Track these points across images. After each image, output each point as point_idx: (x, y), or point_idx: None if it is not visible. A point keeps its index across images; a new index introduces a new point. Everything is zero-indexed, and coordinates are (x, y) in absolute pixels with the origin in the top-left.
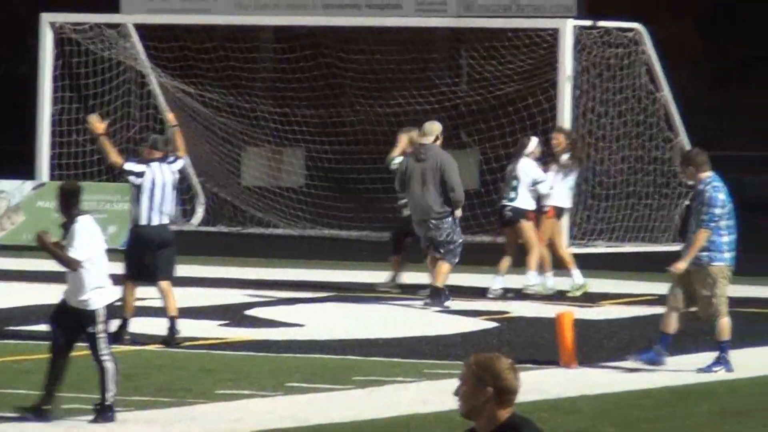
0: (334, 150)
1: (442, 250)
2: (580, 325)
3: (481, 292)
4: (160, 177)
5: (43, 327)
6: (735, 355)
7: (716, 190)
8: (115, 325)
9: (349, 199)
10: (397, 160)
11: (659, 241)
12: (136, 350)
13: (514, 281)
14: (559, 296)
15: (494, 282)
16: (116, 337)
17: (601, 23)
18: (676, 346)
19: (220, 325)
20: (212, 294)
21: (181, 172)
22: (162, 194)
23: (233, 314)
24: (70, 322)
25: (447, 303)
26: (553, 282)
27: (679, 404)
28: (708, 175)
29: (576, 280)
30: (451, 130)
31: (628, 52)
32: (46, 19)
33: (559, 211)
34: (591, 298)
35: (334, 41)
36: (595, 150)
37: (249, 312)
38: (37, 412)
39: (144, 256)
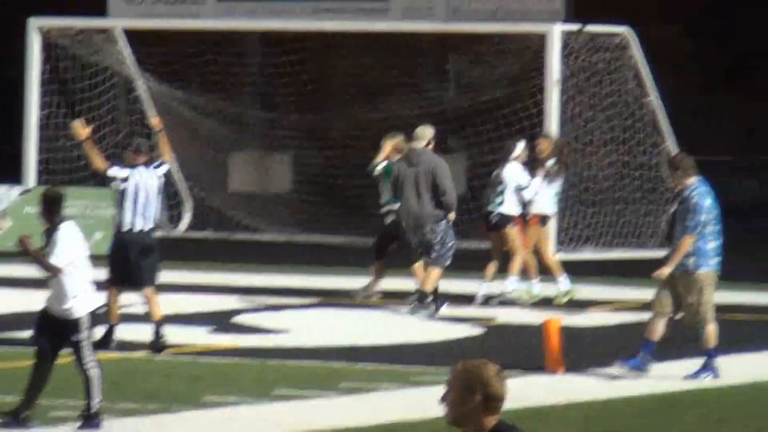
0: (322, 155)
1: (433, 254)
2: (567, 331)
3: (467, 299)
4: (144, 182)
5: (30, 333)
6: (722, 362)
7: (702, 196)
8: (100, 331)
9: (337, 204)
10: (380, 166)
11: (646, 246)
12: (123, 357)
13: (501, 287)
14: (546, 303)
15: (481, 288)
16: (103, 344)
17: (589, 28)
18: (662, 353)
19: (207, 331)
20: (199, 300)
21: (167, 176)
22: (146, 199)
23: (220, 321)
24: (54, 330)
25: (443, 309)
26: (540, 289)
27: (666, 411)
28: (694, 180)
29: (562, 286)
30: (438, 135)
31: (615, 57)
32: (34, 23)
33: (543, 218)
34: (578, 305)
35: (321, 46)
36: (582, 155)
37: (236, 318)
38: (16, 418)
39: (127, 262)
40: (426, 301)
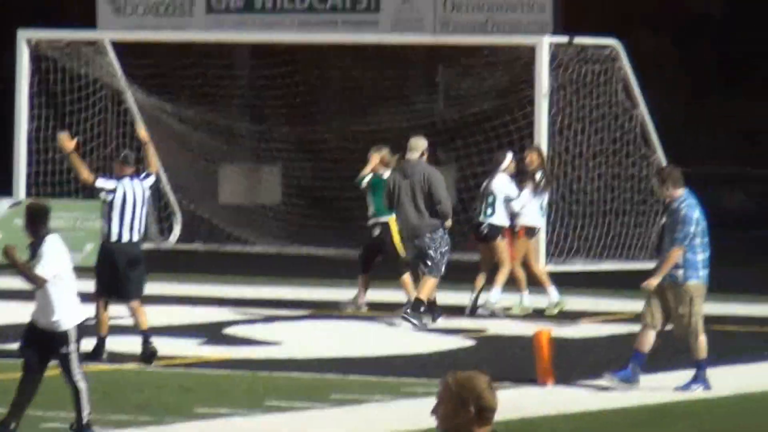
0: (311, 167)
1: (429, 263)
2: (557, 343)
3: (458, 310)
4: (131, 193)
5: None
6: (713, 373)
7: (691, 208)
8: (91, 344)
9: (327, 216)
10: (366, 179)
11: (636, 258)
12: (115, 369)
13: (485, 298)
14: (537, 314)
15: (471, 300)
16: (94, 356)
17: (578, 40)
18: (653, 364)
19: (198, 343)
20: (190, 312)
21: (157, 189)
22: (133, 211)
23: (211, 332)
24: (42, 342)
25: (438, 321)
26: (530, 301)
27: (657, 422)
28: (682, 192)
29: (552, 298)
30: (428, 147)
31: (604, 69)
32: (22, 35)
33: (529, 231)
34: (568, 316)
35: (310, 58)
36: (571, 167)
37: (227, 330)
38: (5, 429)
39: (115, 273)
40: (421, 309)
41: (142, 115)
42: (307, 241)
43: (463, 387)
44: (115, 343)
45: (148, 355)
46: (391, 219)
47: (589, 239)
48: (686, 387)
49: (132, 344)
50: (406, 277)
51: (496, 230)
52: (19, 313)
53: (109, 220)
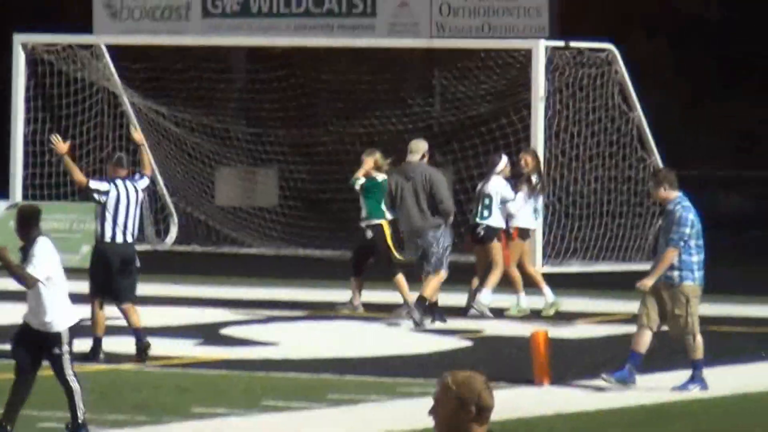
0: (308, 170)
1: (432, 259)
2: (554, 343)
3: (454, 311)
4: (124, 195)
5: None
6: (709, 374)
7: (686, 210)
8: (86, 345)
9: (323, 218)
10: (359, 181)
11: (633, 260)
12: (112, 369)
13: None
14: (534, 315)
15: (468, 301)
16: (91, 357)
17: (574, 43)
18: (650, 364)
19: (195, 343)
20: (187, 313)
21: (154, 191)
22: (126, 212)
23: (208, 333)
24: (34, 344)
25: (438, 323)
26: (527, 302)
27: (654, 423)
28: (677, 194)
29: (548, 298)
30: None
31: (600, 72)
32: (18, 39)
33: (523, 232)
34: (565, 317)
35: (306, 62)
36: (568, 170)
37: (224, 331)
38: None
39: (108, 273)
40: (424, 305)
41: (138, 119)
42: (303, 243)
43: (463, 387)
44: (112, 344)
45: (142, 349)
46: (384, 222)
47: (585, 241)
48: (683, 387)
49: (128, 345)
50: (400, 278)
51: (492, 232)
52: (15, 313)
53: (102, 221)
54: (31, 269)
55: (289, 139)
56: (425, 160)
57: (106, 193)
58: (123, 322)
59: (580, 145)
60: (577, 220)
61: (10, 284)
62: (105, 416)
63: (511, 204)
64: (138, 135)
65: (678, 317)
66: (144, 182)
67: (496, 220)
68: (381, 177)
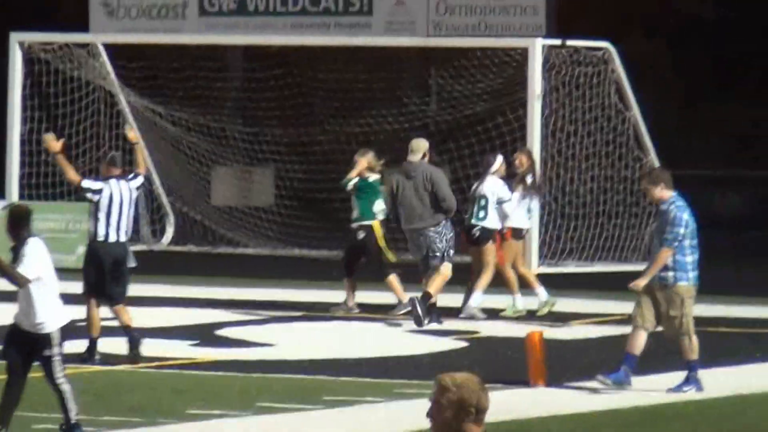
0: (304, 169)
1: (438, 254)
2: (549, 344)
3: (450, 312)
4: (118, 194)
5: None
6: (705, 375)
7: (680, 210)
8: (80, 345)
9: (319, 218)
10: (352, 182)
11: (629, 260)
12: (107, 370)
13: (484, 301)
14: (529, 315)
15: (464, 302)
16: (86, 357)
17: (571, 42)
18: (645, 365)
19: (191, 344)
20: (182, 313)
21: (150, 191)
22: (119, 211)
23: (203, 334)
24: (25, 345)
25: (434, 324)
26: (523, 303)
27: (650, 424)
28: (672, 194)
29: (541, 297)
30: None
31: (597, 71)
32: (15, 38)
33: (516, 232)
34: (560, 318)
35: (303, 60)
36: (564, 169)
37: (219, 331)
38: None
39: (101, 272)
40: (428, 302)
41: (134, 118)
42: (299, 243)
43: (464, 389)
44: (107, 345)
45: (133, 345)
46: (375, 222)
47: (581, 241)
48: (678, 388)
49: (124, 346)
50: (392, 278)
51: (488, 233)
52: (5, 314)
53: (95, 220)
54: (22, 269)
55: (285, 138)
56: (426, 159)
57: (99, 191)
58: (118, 323)
59: (577, 145)
60: (573, 220)
61: (1, 284)
62: (100, 417)
63: (508, 204)
64: (132, 134)
65: (673, 318)
66: (138, 181)
67: (492, 222)
68: (373, 177)
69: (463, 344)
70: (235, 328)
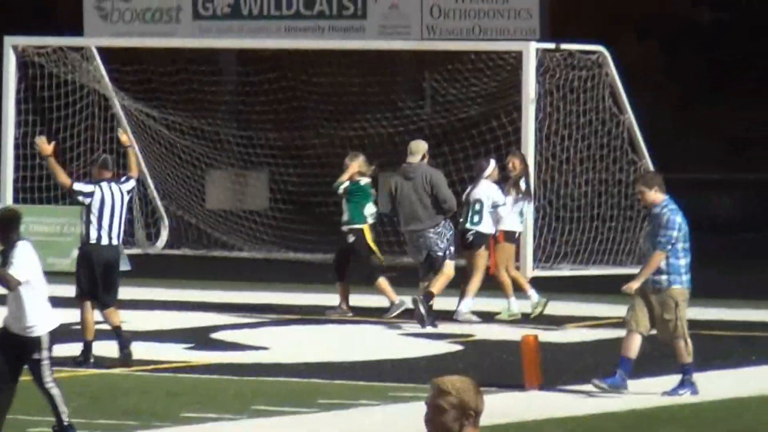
0: (298, 173)
1: (440, 253)
2: (544, 347)
3: (445, 316)
4: (109, 197)
5: None
6: (700, 378)
7: (673, 213)
8: (74, 349)
9: (314, 221)
10: (343, 185)
11: (624, 263)
12: (102, 373)
13: (479, 304)
14: (524, 319)
15: (458, 305)
16: (81, 361)
17: (565, 46)
18: (640, 369)
19: (186, 348)
20: (177, 317)
21: (145, 192)
22: (111, 214)
23: (198, 337)
24: (14, 349)
25: (429, 327)
26: (518, 306)
27: (645, 427)
28: (664, 197)
29: (533, 298)
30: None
31: (591, 75)
32: (9, 42)
33: (509, 235)
34: (555, 321)
35: (297, 64)
36: (558, 173)
37: (214, 335)
38: None
39: (92, 275)
40: (430, 301)
41: (128, 121)
42: (294, 247)
43: (463, 392)
44: (102, 348)
45: (123, 345)
46: (365, 226)
47: (576, 244)
48: (673, 392)
49: (116, 349)
50: (382, 281)
51: (482, 238)
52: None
53: (87, 223)
54: (12, 271)
55: (279, 141)
56: (425, 160)
57: (91, 194)
58: (108, 326)
59: (571, 148)
60: (567, 224)
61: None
62: (95, 421)
63: (502, 208)
64: (125, 137)
65: (667, 321)
66: (130, 184)
67: (486, 226)
68: (364, 181)
69: (458, 347)
70: (229, 331)
